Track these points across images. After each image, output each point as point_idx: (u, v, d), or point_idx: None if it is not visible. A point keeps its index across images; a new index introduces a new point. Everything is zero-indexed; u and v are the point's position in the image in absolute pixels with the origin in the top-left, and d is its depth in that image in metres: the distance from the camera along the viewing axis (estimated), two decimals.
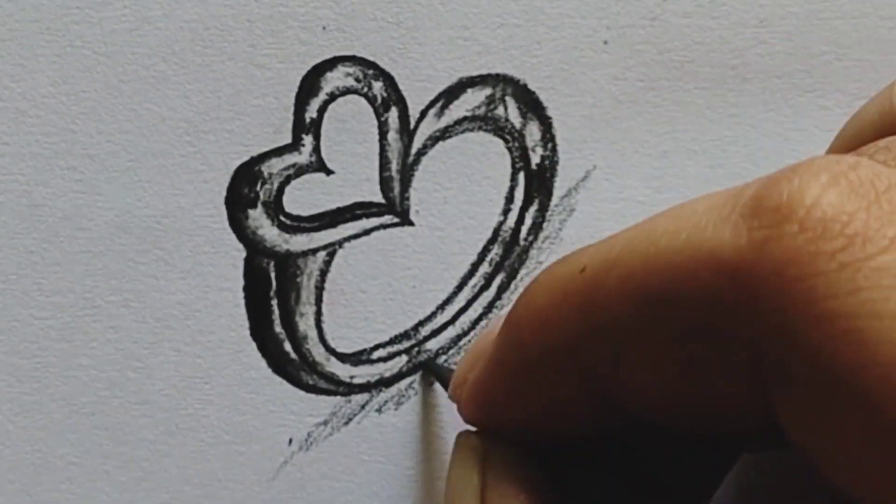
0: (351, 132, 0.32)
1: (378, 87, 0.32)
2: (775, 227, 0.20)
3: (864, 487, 0.20)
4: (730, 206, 0.21)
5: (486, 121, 0.32)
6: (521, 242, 0.33)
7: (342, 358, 0.32)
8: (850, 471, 0.20)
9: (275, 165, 0.32)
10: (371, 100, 0.32)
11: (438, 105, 0.32)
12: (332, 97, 0.32)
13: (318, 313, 0.32)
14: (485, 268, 0.32)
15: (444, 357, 0.33)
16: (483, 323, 0.33)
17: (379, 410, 0.32)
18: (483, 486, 0.27)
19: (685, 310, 0.22)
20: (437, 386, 0.33)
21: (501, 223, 0.32)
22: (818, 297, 0.20)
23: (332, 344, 0.32)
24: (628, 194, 0.33)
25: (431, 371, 0.32)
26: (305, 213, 0.32)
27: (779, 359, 0.20)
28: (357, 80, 0.32)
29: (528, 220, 0.32)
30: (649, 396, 0.23)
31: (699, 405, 0.23)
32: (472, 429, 0.28)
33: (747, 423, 0.23)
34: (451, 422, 0.32)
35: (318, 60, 0.32)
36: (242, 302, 0.32)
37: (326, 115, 0.32)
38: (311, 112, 0.32)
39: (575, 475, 0.27)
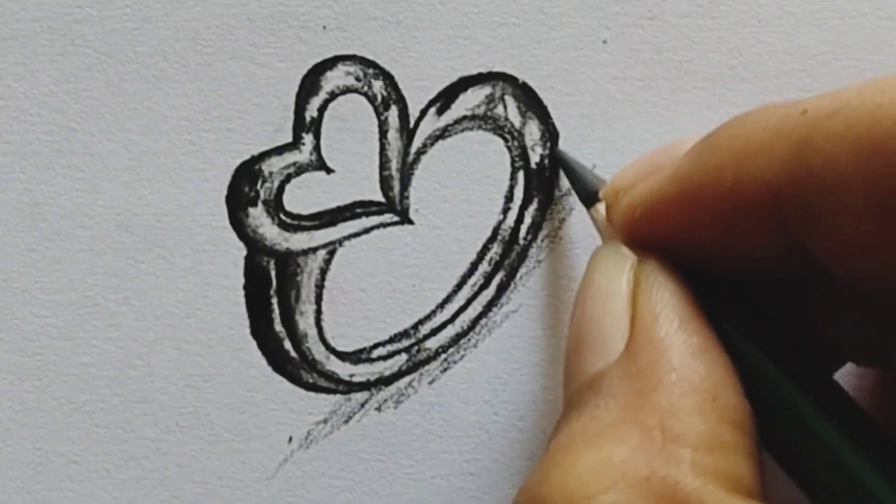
0: (351, 131, 0.32)
1: (378, 86, 0.32)
2: None
3: None
4: None
5: (485, 120, 0.32)
6: (521, 241, 0.33)
7: (342, 356, 0.32)
8: None
9: (275, 164, 0.32)
10: (371, 99, 0.32)
11: (438, 104, 0.32)
12: (333, 96, 0.32)
13: (318, 312, 0.32)
14: (484, 266, 0.32)
15: (443, 355, 0.33)
16: (483, 322, 0.33)
17: (378, 409, 0.32)
18: (634, 294, 0.26)
19: None
20: (437, 384, 0.33)
21: (501, 222, 0.32)
22: None
23: (332, 342, 0.32)
24: None
25: (559, 161, 0.32)
26: (306, 211, 0.32)
27: None
28: (357, 78, 0.32)
29: (528, 219, 0.33)
30: (844, 245, 0.23)
31: (889, 263, 0.23)
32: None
33: None
34: (451, 420, 0.32)
35: (319, 59, 0.32)
36: (243, 300, 0.32)
37: (327, 113, 0.32)
38: (312, 111, 0.32)
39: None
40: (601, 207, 0.29)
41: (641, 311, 0.25)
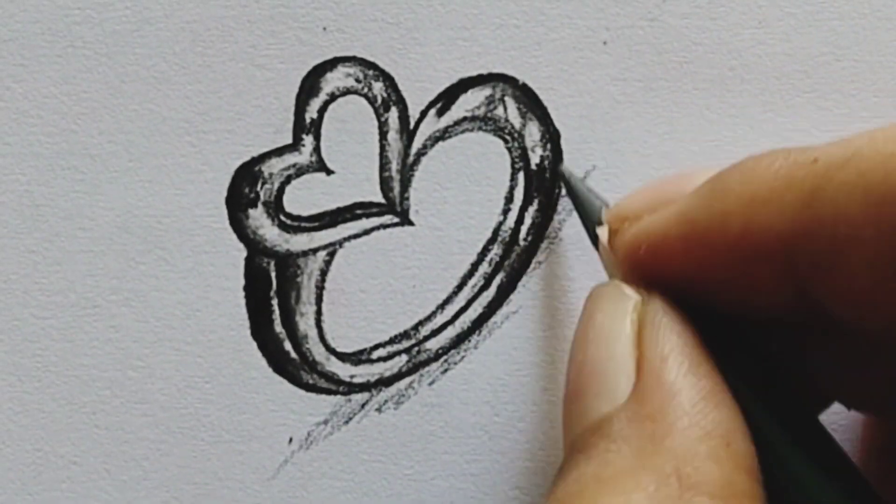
0: (351, 132, 0.32)
1: (378, 87, 0.32)
2: None
3: None
4: None
5: (485, 121, 0.32)
6: (521, 242, 0.33)
7: (342, 357, 0.32)
8: None
9: (275, 165, 0.32)
10: (371, 100, 0.32)
11: (438, 105, 0.32)
12: (333, 97, 0.32)
13: (319, 313, 0.32)
14: (484, 268, 0.33)
15: (444, 356, 0.33)
16: (483, 323, 0.33)
17: (379, 410, 0.32)
18: (639, 336, 0.25)
19: None
20: (437, 385, 0.33)
21: (501, 223, 0.32)
22: None
23: (332, 343, 0.32)
24: (628, 194, 0.33)
25: (563, 180, 0.31)
26: (306, 212, 0.32)
27: None
28: (357, 80, 0.32)
29: (528, 220, 0.33)
30: (855, 296, 0.23)
31: None
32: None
33: None
34: (451, 421, 0.32)
35: (319, 61, 0.32)
36: (243, 301, 0.32)
37: (327, 115, 0.32)
38: (312, 112, 0.32)
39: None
40: (604, 234, 0.28)
41: (648, 353, 0.25)
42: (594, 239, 0.29)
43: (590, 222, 0.30)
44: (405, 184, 0.32)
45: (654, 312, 0.26)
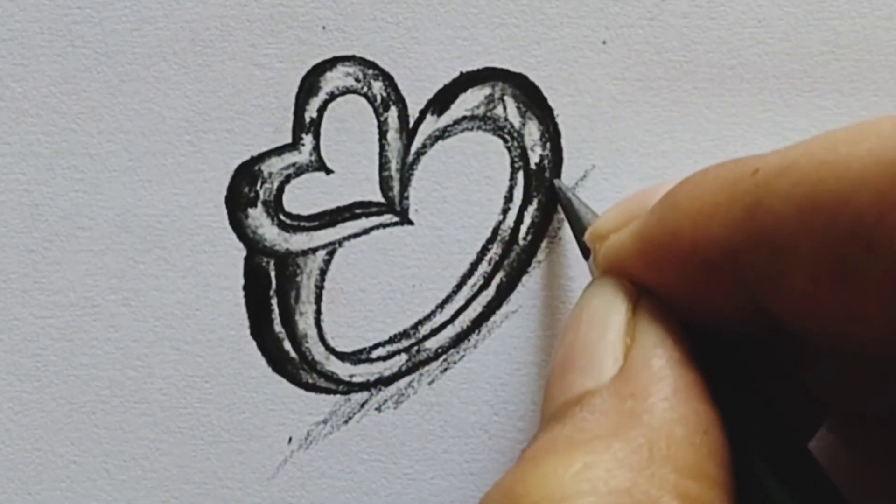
0: (350, 132, 0.32)
1: (378, 86, 0.32)
2: None
3: None
4: None
5: (485, 120, 0.32)
6: (521, 242, 0.33)
7: (342, 357, 0.32)
8: None
9: (275, 165, 0.32)
10: (371, 99, 0.32)
11: (438, 104, 0.32)
12: (332, 97, 0.32)
13: (318, 312, 0.32)
14: (484, 267, 0.33)
15: (443, 356, 0.33)
16: (482, 322, 0.33)
17: (378, 409, 0.32)
18: (631, 325, 0.26)
19: (855, 217, 0.22)
20: (437, 384, 0.33)
21: (500, 222, 0.32)
22: None
23: (332, 343, 0.32)
24: (627, 194, 0.33)
25: (560, 196, 0.32)
26: (305, 212, 0.32)
27: None
28: (357, 79, 0.32)
29: (528, 220, 0.33)
30: (799, 304, 0.23)
31: (848, 318, 0.23)
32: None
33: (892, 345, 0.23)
34: (451, 420, 0.32)
35: (318, 60, 0.32)
36: (242, 301, 0.32)
37: (326, 114, 0.32)
38: (311, 111, 0.32)
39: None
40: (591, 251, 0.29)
41: (640, 340, 0.26)
42: (586, 253, 0.30)
43: (580, 237, 0.31)
44: (405, 183, 0.32)
45: (649, 307, 0.26)
